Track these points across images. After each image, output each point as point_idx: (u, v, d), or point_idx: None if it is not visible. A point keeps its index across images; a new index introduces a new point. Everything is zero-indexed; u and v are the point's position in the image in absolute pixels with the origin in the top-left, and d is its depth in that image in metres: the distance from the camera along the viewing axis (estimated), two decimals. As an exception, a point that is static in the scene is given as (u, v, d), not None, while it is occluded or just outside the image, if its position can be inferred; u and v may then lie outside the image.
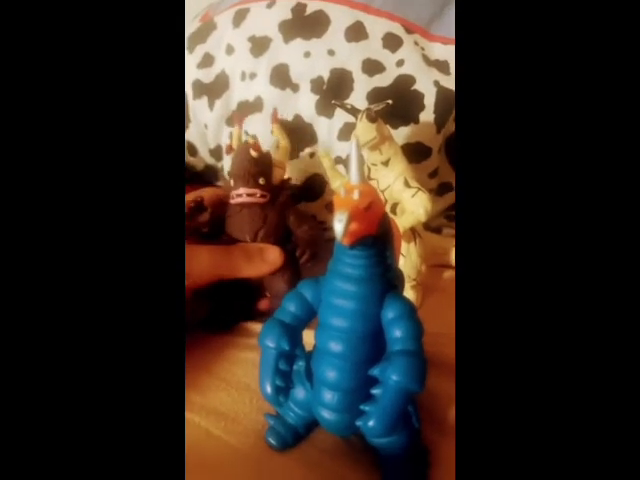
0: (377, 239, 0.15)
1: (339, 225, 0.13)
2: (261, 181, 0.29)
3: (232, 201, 0.30)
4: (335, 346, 0.16)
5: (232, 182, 0.30)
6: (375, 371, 0.16)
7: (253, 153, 0.29)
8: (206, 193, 0.31)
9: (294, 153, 0.37)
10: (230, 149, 0.32)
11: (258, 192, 0.29)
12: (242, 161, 0.30)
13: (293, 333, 0.17)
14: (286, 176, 0.32)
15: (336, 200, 0.14)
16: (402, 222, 0.29)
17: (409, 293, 0.30)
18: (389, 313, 0.16)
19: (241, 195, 0.30)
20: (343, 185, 0.34)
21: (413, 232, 0.30)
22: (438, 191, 0.38)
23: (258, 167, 0.29)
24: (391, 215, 0.29)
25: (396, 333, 0.16)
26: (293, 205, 0.32)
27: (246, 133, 0.36)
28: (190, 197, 0.30)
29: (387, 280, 0.16)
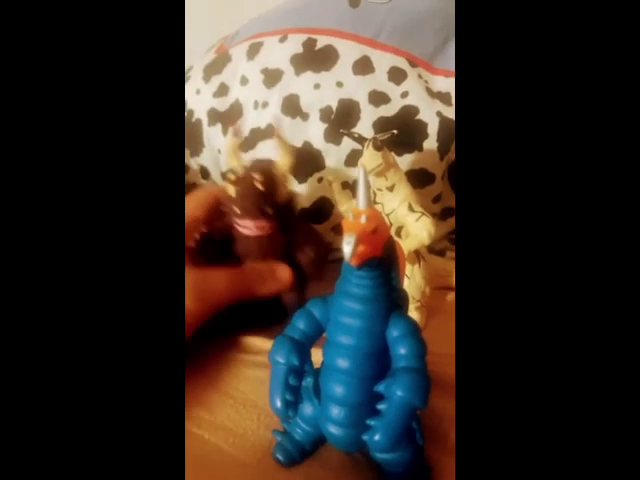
0: (382, 261, 0.16)
1: (347, 247, 0.14)
2: (268, 211, 0.29)
3: (240, 230, 0.29)
4: (342, 362, 0.17)
5: (237, 210, 0.29)
6: (380, 387, 0.17)
7: (260, 187, 0.28)
8: (200, 206, 0.30)
9: (303, 178, 0.38)
10: (237, 181, 0.29)
11: (266, 225, 0.29)
12: (249, 195, 0.29)
13: (302, 349, 0.18)
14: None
15: (345, 224, 0.16)
16: (406, 245, 0.30)
17: (413, 314, 0.30)
18: (394, 331, 0.17)
19: (250, 228, 0.29)
20: (351, 210, 0.35)
21: (417, 255, 0.31)
22: (441, 215, 0.39)
23: (265, 198, 0.29)
24: (396, 238, 0.30)
25: (401, 351, 0.16)
26: (298, 226, 0.31)
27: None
28: (188, 217, 0.29)
29: (392, 300, 0.17)
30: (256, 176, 0.29)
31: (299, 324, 0.18)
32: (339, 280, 0.18)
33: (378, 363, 0.17)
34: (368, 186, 0.16)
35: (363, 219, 0.15)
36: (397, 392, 0.16)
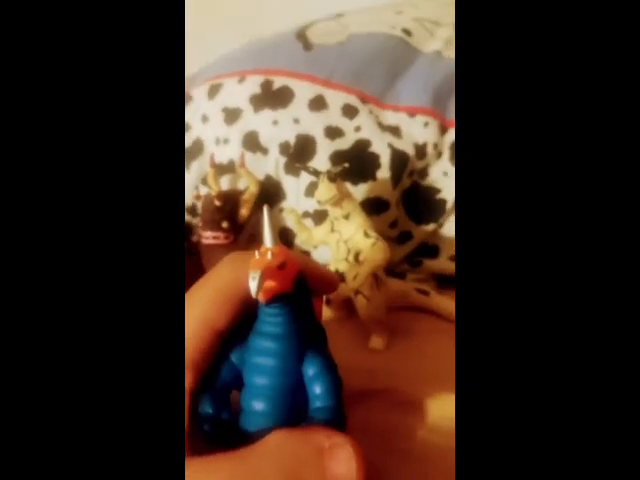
0: (293, 297, 0.16)
1: (253, 283, 0.14)
2: (224, 225, 0.36)
3: (202, 241, 0.37)
4: (258, 405, 0.16)
5: (201, 225, 0.37)
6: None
7: (217, 202, 0.36)
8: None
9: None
10: (198, 197, 0.39)
11: (221, 235, 0.36)
12: (207, 210, 0.37)
13: (220, 398, 0.17)
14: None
15: (251, 262, 0.15)
16: (364, 268, 0.31)
17: (375, 340, 0.32)
18: (309, 370, 0.16)
19: (208, 237, 0.37)
20: (308, 240, 0.37)
21: (375, 278, 0.33)
22: (399, 240, 0.41)
23: (221, 214, 0.36)
24: (354, 263, 0.32)
25: (316, 389, 0.16)
26: (256, 241, 0.38)
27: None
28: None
29: (306, 336, 0.17)
30: (213, 193, 0.37)
31: (221, 373, 0.17)
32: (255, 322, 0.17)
33: (295, 402, 0.16)
34: (273, 225, 0.16)
35: (269, 255, 0.15)
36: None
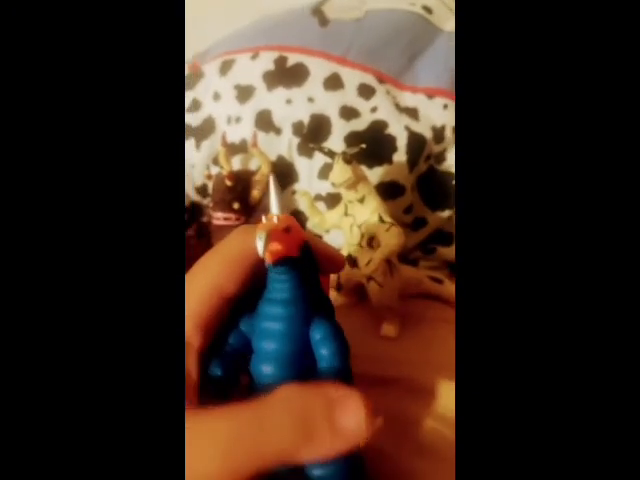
0: (300, 262, 0.16)
1: (260, 242, 0.15)
2: (235, 206, 0.35)
3: (213, 222, 0.36)
4: (266, 369, 0.16)
5: (212, 205, 0.36)
6: None
7: (228, 182, 0.35)
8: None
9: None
10: (209, 177, 0.38)
11: (233, 217, 0.36)
12: (218, 190, 0.36)
13: (229, 361, 0.17)
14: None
15: (259, 226, 0.16)
16: (378, 254, 0.30)
17: (387, 327, 0.31)
18: (316, 334, 0.16)
19: (219, 219, 0.36)
20: (321, 224, 0.36)
21: (389, 264, 0.32)
22: (413, 226, 0.40)
23: (232, 194, 0.36)
24: (367, 248, 0.31)
25: (323, 351, 0.16)
26: None
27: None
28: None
29: (313, 302, 0.17)
30: (225, 173, 0.36)
31: (229, 339, 0.18)
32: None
33: (302, 366, 0.17)
34: (279, 193, 0.17)
35: (274, 219, 0.16)
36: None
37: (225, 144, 0.38)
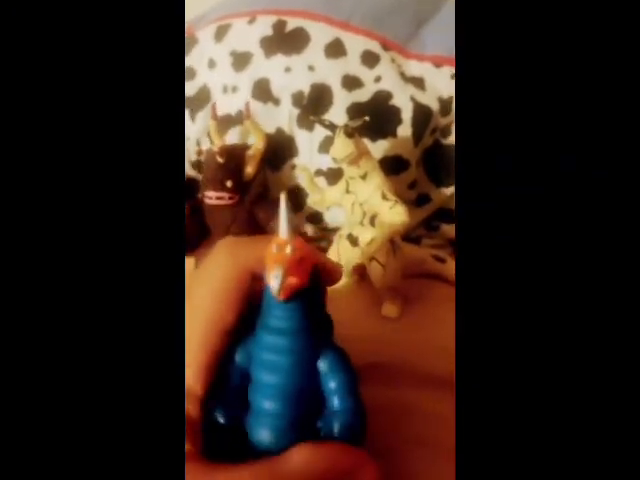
0: (307, 289, 0.15)
1: (275, 281, 0.14)
2: (228, 184, 0.32)
3: (206, 201, 0.33)
4: (268, 404, 0.15)
5: (203, 184, 0.33)
6: (319, 424, 0.15)
7: (219, 159, 0.32)
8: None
9: (277, 165, 0.37)
10: (200, 152, 0.36)
11: (226, 195, 0.32)
12: (209, 167, 0.33)
13: (232, 407, 0.16)
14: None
15: (268, 256, 0.14)
16: (380, 234, 0.29)
17: (389, 307, 0.30)
18: (325, 367, 0.15)
19: (211, 198, 0.33)
20: (321, 202, 0.34)
21: (391, 243, 0.31)
22: (417, 202, 0.39)
23: (225, 172, 0.32)
24: (370, 226, 0.30)
25: (331, 384, 0.15)
26: (262, 201, 0.34)
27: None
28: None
29: (320, 331, 0.16)
30: (216, 149, 0.33)
31: (230, 381, 0.16)
32: (259, 316, 0.16)
33: (307, 401, 0.15)
34: (291, 216, 0.15)
35: (288, 250, 0.14)
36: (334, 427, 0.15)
37: (215, 116, 0.35)
